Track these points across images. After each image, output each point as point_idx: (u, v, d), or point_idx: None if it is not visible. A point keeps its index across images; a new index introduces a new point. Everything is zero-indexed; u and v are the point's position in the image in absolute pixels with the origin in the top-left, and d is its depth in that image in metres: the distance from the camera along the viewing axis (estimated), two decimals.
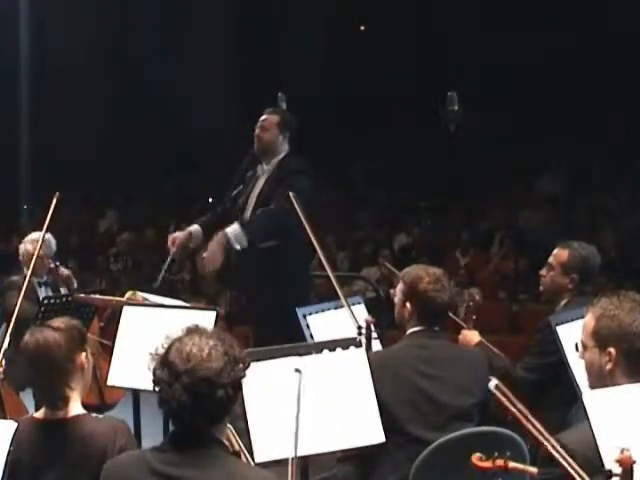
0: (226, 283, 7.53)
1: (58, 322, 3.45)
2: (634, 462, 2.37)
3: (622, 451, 2.38)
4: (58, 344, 3.36)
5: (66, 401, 3.35)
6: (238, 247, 5.75)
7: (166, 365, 2.68)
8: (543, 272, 4.82)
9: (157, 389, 2.70)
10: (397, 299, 4.19)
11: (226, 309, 6.81)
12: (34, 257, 5.82)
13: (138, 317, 4.66)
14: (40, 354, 3.35)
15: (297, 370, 3.35)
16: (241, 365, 2.72)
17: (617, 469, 2.39)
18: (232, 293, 7.10)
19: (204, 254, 5.81)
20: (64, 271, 6.86)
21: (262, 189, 5.99)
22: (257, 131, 6.02)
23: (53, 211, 5.60)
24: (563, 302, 4.70)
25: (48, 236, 6.68)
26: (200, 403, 2.63)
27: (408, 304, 4.12)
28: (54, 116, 15.24)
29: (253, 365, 2.86)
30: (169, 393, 2.65)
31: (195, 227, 6.04)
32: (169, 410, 2.68)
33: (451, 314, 4.59)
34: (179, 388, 2.63)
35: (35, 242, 6.43)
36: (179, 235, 6.03)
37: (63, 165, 15.12)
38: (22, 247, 6.75)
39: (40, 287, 6.60)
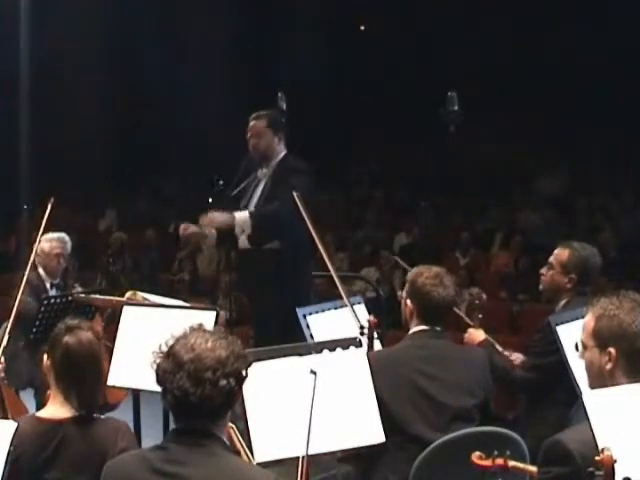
0: (228, 284, 7.55)
1: (86, 325, 3.48)
2: (615, 461, 2.37)
3: (602, 451, 2.39)
4: (98, 346, 3.44)
5: (98, 401, 3.39)
6: (238, 232, 5.79)
7: (170, 356, 2.70)
8: (543, 271, 4.83)
9: (160, 381, 2.70)
10: (402, 300, 4.21)
11: (227, 313, 6.82)
12: (32, 256, 5.81)
13: (138, 317, 4.66)
14: (85, 355, 3.38)
15: (312, 372, 3.36)
16: (243, 361, 2.73)
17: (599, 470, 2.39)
18: (234, 294, 7.12)
19: (204, 218, 5.87)
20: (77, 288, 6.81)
21: (262, 191, 6.00)
22: (252, 141, 5.98)
23: (49, 215, 5.59)
24: (562, 302, 4.70)
25: (66, 237, 6.69)
26: (203, 391, 2.63)
27: (409, 302, 4.13)
28: (54, 116, 15.22)
29: (254, 365, 2.86)
30: (173, 382, 2.65)
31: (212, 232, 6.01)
32: (172, 400, 2.67)
33: (460, 312, 4.60)
34: (183, 376, 2.64)
35: (52, 241, 6.48)
36: (194, 229, 6.02)
37: (63, 165, 15.12)
38: (41, 245, 6.65)
39: (52, 288, 6.59)
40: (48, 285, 6.59)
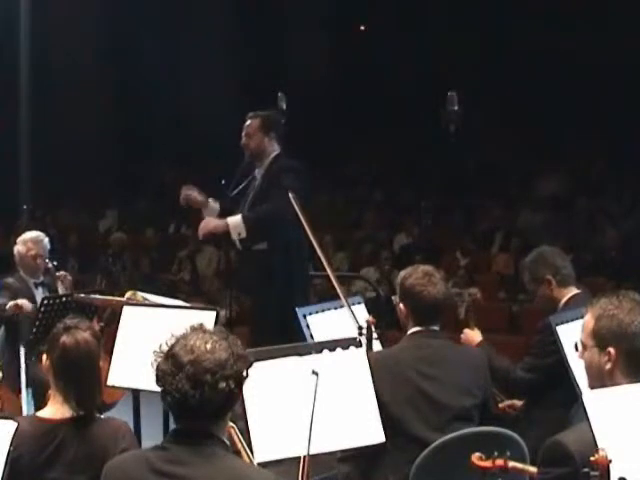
0: (227, 283, 7.59)
1: (84, 325, 3.47)
2: (610, 462, 2.37)
3: (598, 451, 2.38)
4: (96, 346, 3.42)
5: (97, 401, 3.38)
6: (235, 237, 5.81)
7: (170, 357, 2.69)
8: (533, 304, 4.90)
9: (160, 382, 2.70)
10: (396, 305, 4.21)
11: (227, 314, 6.84)
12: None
13: (138, 317, 4.67)
14: (82, 355, 3.38)
15: (314, 372, 3.37)
16: (244, 362, 2.73)
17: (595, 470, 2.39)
18: (233, 294, 7.15)
19: (201, 224, 6.00)
20: (67, 277, 6.78)
21: (255, 191, 6.06)
22: (243, 140, 6.06)
23: None
24: (562, 302, 4.70)
25: (41, 235, 6.66)
26: (202, 394, 2.63)
27: (402, 305, 4.13)
28: (54, 116, 15.22)
29: (254, 365, 2.86)
30: (172, 384, 2.65)
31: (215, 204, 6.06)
32: (172, 402, 2.67)
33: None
34: (182, 378, 2.64)
35: (27, 242, 6.45)
36: (196, 195, 6.03)
37: (63, 165, 15.13)
38: (15, 248, 6.65)
39: (37, 288, 6.56)
40: (32, 285, 6.56)
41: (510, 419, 4.59)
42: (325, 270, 5.09)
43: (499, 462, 2.98)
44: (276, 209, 5.69)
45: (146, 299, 5.27)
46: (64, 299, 6.11)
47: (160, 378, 2.70)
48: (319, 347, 3.75)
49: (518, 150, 14.72)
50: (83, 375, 3.37)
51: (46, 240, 6.68)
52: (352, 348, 3.79)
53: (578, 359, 2.93)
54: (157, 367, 2.72)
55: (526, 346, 4.92)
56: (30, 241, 6.56)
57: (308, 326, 4.77)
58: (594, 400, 2.55)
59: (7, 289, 6.43)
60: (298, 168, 5.97)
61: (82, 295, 6.08)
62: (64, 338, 3.40)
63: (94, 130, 15.86)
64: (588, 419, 2.51)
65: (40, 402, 5.48)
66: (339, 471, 4.28)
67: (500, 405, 4.69)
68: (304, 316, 4.80)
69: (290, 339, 4.53)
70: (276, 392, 3.56)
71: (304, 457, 3.31)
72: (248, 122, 6.08)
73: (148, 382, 2.78)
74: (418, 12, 15.97)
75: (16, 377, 5.72)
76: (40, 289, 6.55)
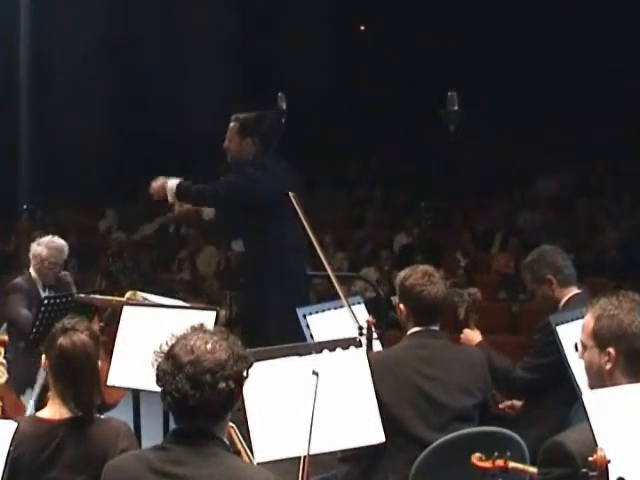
0: (227, 284, 7.62)
1: (82, 326, 3.47)
2: (609, 462, 2.37)
3: (596, 451, 2.38)
4: (93, 347, 3.41)
5: (95, 402, 3.38)
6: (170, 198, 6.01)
7: (170, 357, 2.70)
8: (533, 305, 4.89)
9: (160, 382, 2.70)
10: (396, 306, 4.21)
11: (227, 314, 6.85)
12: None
13: (138, 317, 4.67)
14: (79, 357, 3.38)
15: (315, 373, 3.37)
16: (244, 362, 2.73)
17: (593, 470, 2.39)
18: (232, 294, 7.16)
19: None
20: (67, 279, 6.79)
21: None
22: (225, 142, 6.04)
23: None
24: (563, 301, 4.70)
25: (64, 246, 6.62)
26: (202, 394, 2.63)
27: (402, 306, 4.13)
28: (54, 116, 15.23)
29: (254, 365, 2.86)
30: (172, 384, 2.65)
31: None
32: (171, 402, 2.67)
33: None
34: (182, 378, 2.64)
35: (51, 250, 6.42)
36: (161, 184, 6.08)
37: (63, 165, 15.12)
38: (38, 249, 6.54)
39: (45, 290, 6.55)
40: (40, 287, 6.54)
41: (510, 419, 4.59)
42: (325, 270, 5.09)
43: (499, 462, 2.98)
44: (209, 189, 5.90)
45: (146, 299, 5.28)
46: (64, 299, 6.11)
47: (160, 378, 2.70)
48: (319, 347, 3.76)
49: (518, 150, 14.72)
50: (80, 377, 3.37)
51: (67, 250, 6.65)
52: (352, 348, 3.79)
53: (578, 359, 2.93)
54: (157, 367, 2.72)
55: (526, 346, 4.92)
56: (54, 249, 6.52)
57: (308, 326, 4.77)
58: (594, 400, 2.55)
59: (18, 291, 6.44)
60: (249, 170, 5.90)
61: (82, 295, 6.07)
62: (61, 340, 3.39)
63: (94, 130, 15.86)
64: (588, 419, 2.51)
65: (40, 402, 5.49)
66: (339, 471, 4.28)
67: (500, 405, 4.69)
68: (304, 316, 4.80)
69: (281, 339, 4.52)
70: (276, 392, 3.57)
71: (304, 457, 3.31)
72: (230, 125, 6.07)
73: (148, 382, 2.78)
74: (418, 12, 15.97)
75: (17, 377, 5.71)
76: (47, 291, 6.54)
